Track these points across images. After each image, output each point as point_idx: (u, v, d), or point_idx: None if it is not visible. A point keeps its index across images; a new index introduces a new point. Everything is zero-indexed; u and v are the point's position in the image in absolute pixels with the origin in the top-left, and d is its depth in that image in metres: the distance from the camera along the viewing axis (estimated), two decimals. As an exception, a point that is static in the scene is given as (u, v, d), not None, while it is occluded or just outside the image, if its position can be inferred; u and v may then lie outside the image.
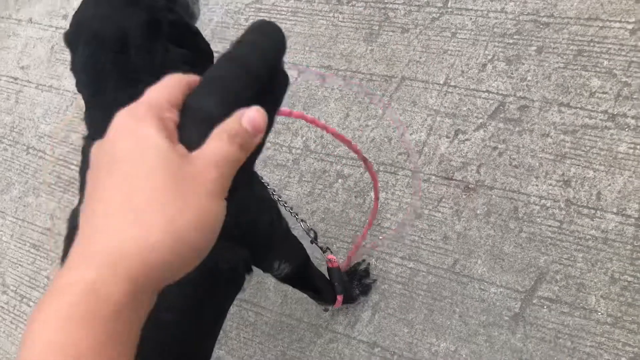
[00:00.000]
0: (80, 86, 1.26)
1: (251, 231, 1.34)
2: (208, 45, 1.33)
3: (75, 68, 1.26)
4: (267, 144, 2.26)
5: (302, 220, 1.68)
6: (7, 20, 3.33)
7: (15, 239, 2.64)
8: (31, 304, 2.45)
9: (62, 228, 2.54)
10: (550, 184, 1.83)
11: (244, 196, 1.33)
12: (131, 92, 1.17)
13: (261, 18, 2.56)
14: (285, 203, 1.58)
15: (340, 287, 1.72)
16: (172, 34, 1.23)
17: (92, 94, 1.23)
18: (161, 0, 1.29)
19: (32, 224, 2.63)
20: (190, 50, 1.26)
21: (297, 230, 1.61)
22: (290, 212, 1.59)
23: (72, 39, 1.26)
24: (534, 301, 1.71)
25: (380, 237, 1.93)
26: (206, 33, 2.66)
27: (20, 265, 2.56)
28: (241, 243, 1.32)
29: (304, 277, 1.67)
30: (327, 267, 1.72)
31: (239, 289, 1.42)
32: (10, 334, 2.43)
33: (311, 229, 1.69)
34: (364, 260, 1.93)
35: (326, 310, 1.90)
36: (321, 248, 1.70)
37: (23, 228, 2.65)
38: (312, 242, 1.69)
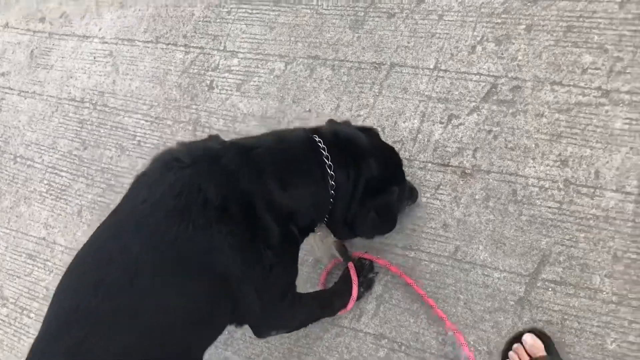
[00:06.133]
0: None
1: None
2: None
3: None
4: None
5: None
6: (-17, 27, 3.25)
7: (10, 251, 2.61)
8: (32, 315, 2.43)
9: (58, 237, 2.51)
10: (548, 165, 1.81)
11: None
12: None
13: (243, 10, 2.52)
14: None
15: None
16: None
17: None
18: None
19: (27, 234, 2.60)
20: None
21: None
22: None
23: None
24: (539, 284, 1.71)
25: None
26: (188, 29, 2.61)
27: (17, 277, 2.53)
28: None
29: None
30: None
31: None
32: (13, 347, 2.41)
33: None
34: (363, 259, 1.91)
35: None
36: None
37: (17, 239, 2.61)
38: None
